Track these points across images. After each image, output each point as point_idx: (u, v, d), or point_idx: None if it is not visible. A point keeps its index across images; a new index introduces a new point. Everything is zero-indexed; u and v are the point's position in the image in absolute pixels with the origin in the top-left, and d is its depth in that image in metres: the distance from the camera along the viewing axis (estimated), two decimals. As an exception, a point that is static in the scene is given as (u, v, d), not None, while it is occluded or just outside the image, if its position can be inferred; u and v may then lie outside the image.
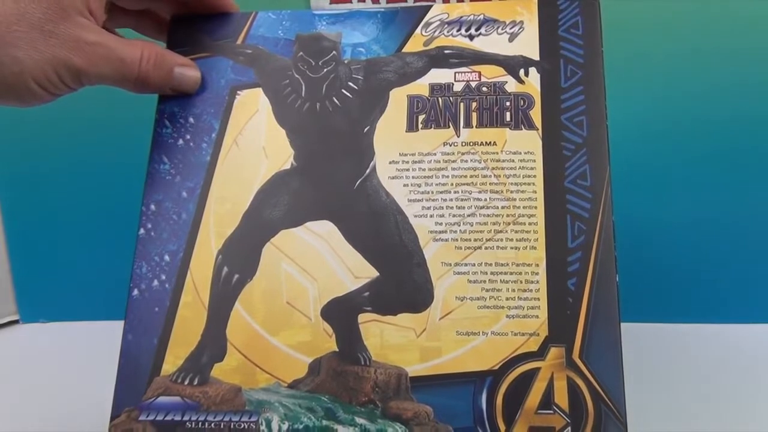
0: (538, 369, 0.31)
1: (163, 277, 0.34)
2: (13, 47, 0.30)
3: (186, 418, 0.32)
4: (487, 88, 0.36)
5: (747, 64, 0.52)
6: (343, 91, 0.36)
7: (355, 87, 0.36)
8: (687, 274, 0.56)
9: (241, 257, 0.34)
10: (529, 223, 0.33)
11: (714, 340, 0.53)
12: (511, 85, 0.35)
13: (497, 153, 0.34)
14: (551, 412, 0.30)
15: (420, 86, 0.36)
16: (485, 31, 0.37)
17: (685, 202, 0.55)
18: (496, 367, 0.31)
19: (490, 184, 0.34)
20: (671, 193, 0.55)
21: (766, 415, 0.43)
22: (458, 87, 0.36)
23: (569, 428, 0.30)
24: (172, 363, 0.33)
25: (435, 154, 0.35)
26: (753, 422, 0.42)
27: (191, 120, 0.37)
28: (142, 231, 0.35)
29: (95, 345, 0.49)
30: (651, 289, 0.56)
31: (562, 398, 0.30)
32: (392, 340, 0.32)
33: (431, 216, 0.34)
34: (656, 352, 0.51)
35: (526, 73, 0.35)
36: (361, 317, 0.33)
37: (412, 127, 0.35)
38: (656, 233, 0.55)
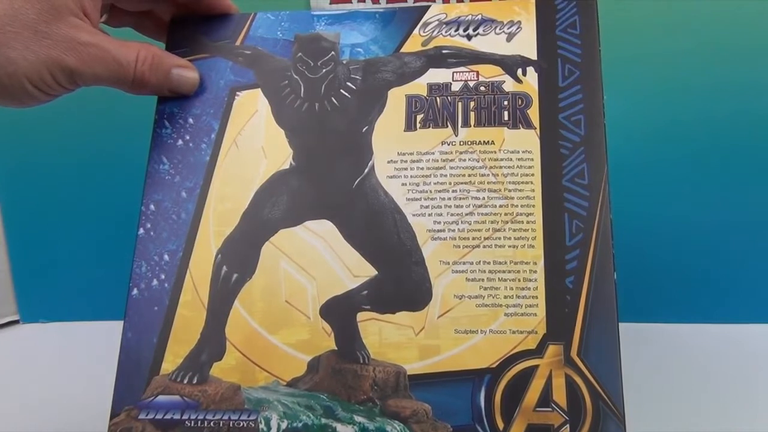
0: (536, 366, 0.31)
1: (163, 277, 0.34)
2: (7, 47, 0.30)
3: (185, 416, 0.32)
4: (485, 87, 0.36)
5: (745, 63, 0.52)
6: (342, 91, 0.36)
7: (354, 87, 0.36)
8: (686, 273, 0.56)
9: (240, 256, 0.34)
10: (527, 222, 0.33)
11: (714, 340, 0.53)
12: (509, 85, 0.35)
13: (495, 152, 0.34)
14: (549, 409, 0.30)
15: (418, 86, 0.36)
16: (483, 31, 0.37)
17: (684, 201, 0.55)
18: (495, 365, 0.31)
19: (488, 182, 0.34)
20: (669, 191, 0.55)
21: (766, 415, 0.43)
22: (456, 86, 0.36)
23: (567, 426, 0.30)
24: (171, 362, 0.33)
25: (433, 153, 0.35)
26: (753, 422, 0.42)
27: (191, 120, 0.37)
28: (141, 231, 0.35)
29: (95, 345, 0.49)
30: (650, 289, 0.56)
31: (560, 396, 0.30)
32: (391, 339, 0.32)
33: (429, 215, 0.34)
34: (656, 352, 0.51)
35: (524, 73, 0.36)
36: (360, 316, 0.33)
37: (410, 126, 0.36)
38: (655, 232, 0.55)
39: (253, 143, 0.36)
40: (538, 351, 0.31)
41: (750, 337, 0.53)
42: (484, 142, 0.35)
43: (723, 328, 0.55)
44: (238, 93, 0.37)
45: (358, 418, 0.31)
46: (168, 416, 0.32)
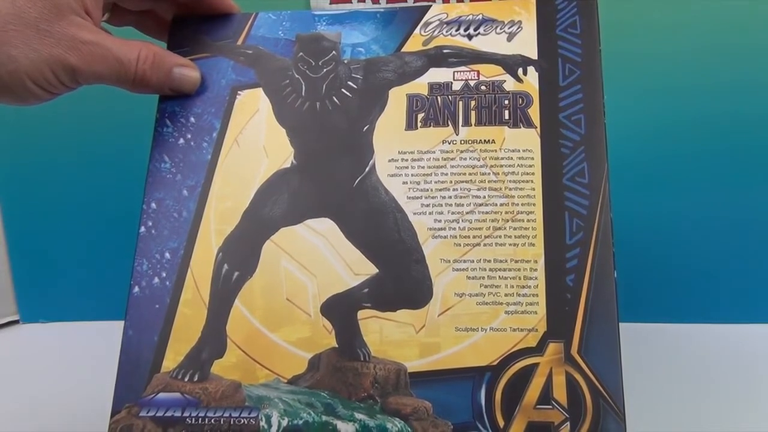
0: (536, 364, 0.31)
1: (164, 275, 0.35)
2: (9, 46, 0.31)
3: (186, 414, 0.32)
4: (486, 86, 0.36)
5: (746, 63, 0.53)
6: (343, 90, 0.37)
7: (355, 86, 0.37)
8: (686, 273, 0.56)
9: (241, 255, 0.35)
10: (528, 220, 0.33)
11: (714, 340, 0.53)
12: (510, 84, 0.36)
13: (496, 151, 0.35)
14: (550, 407, 0.30)
15: (419, 85, 0.36)
16: (484, 30, 0.37)
17: (684, 200, 0.55)
18: (495, 363, 0.31)
19: (488, 181, 0.34)
20: (670, 191, 0.55)
21: (766, 415, 0.43)
22: (457, 86, 0.36)
23: (568, 423, 0.30)
24: (172, 359, 0.33)
25: (434, 152, 0.35)
26: (752, 422, 0.42)
27: (192, 119, 0.37)
28: (142, 229, 0.36)
29: (95, 345, 0.49)
30: (650, 289, 0.56)
31: (560, 393, 0.30)
32: (392, 336, 0.32)
33: (430, 213, 0.34)
34: (656, 352, 0.51)
35: (525, 72, 0.36)
36: (361, 313, 0.33)
37: (411, 125, 0.36)
38: (654, 232, 0.55)
39: (255, 142, 0.36)
40: (539, 349, 0.31)
41: (750, 337, 0.53)
42: (484, 141, 0.35)
43: (723, 328, 0.55)
44: (239, 92, 0.37)
45: (359, 416, 0.31)
46: (169, 414, 0.32)
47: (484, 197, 0.34)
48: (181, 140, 0.37)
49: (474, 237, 0.33)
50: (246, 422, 0.31)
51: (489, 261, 0.33)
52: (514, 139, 0.35)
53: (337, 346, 0.33)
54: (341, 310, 0.33)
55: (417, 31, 0.37)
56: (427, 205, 0.34)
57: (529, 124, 0.35)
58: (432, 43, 0.37)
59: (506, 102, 0.35)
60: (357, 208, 0.35)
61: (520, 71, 0.36)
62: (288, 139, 0.36)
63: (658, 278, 0.56)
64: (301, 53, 0.38)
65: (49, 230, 0.61)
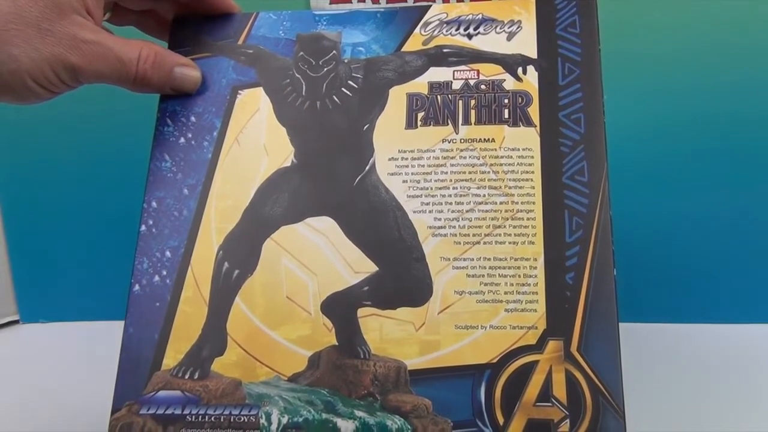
0: (536, 362, 0.31)
1: (164, 273, 0.35)
2: (10, 45, 0.31)
3: (186, 411, 0.32)
4: (486, 85, 0.36)
5: (745, 62, 0.53)
6: (343, 89, 0.37)
7: (355, 85, 0.37)
8: (686, 273, 0.56)
9: (241, 253, 0.35)
10: (528, 219, 0.33)
11: (714, 340, 0.53)
12: (510, 83, 0.36)
13: (496, 149, 0.35)
14: (549, 404, 0.30)
15: (419, 84, 0.36)
16: (483, 30, 0.37)
17: (684, 200, 0.55)
18: (495, 361, 0.31)
19: (488, 180, 0.34)
20: (669, 190, 0.55)
21: (766, 415, 0.43)
22: (457, 85, 0.36)
23: (567, 420, 0.30)
24: (172, 357, 0.33)
25: (434, 151, 0.35)
26: (752, 422, 0.42)
27: (193, 119, 0.37)
28: (143, 227, 0.36)
29: (95, 345, 0.49)
30: (650, 288, 0.56)
31: (560, 391, 0.30)
32: (391, 334, 0.32)
33: (430, 211, 0.34)
34: (656, 352, 0.51)
35: (524, 71, 0.36)
36: (361, 311, 0.33)
37: (411, 124, 0.36)
38: (655, 231, 0.55)
39: (255, 141, 0.37)
40: (538, 346, 0.31)
41: (750, 337, 0.53)
42: (484, 139, 0.35)
43: (723, 328, 0.55)
44: (240, 91, 0.38)
45: (359, 413, 0.31)
46: (169, 411, 0.32)
47: (484, 196, 0.34)
48: (182, 139, 0.37)
49: (474, 235, 0.33)
50: (246, 420, 0.31)
51: (489, 259, 0.33)
52: (513, 138, 0.35)
53: (337, 344, 0.33)
54: (341, 308, 0.33)
55: (417, 30, 0.37)
56: (427, 204, 0.34)
57: (528, 122, 0.35)
58: (432, 43, 0.37)
59: (506, 101, 0.35)
60: (357, 207, 0.35)
61: (519, 70, 0.36)
62: (288, 138, 0.36)
63: (658, 278, 0.56)
64: (301, 53, 0.38)
65: (49, 230, 0.61)
